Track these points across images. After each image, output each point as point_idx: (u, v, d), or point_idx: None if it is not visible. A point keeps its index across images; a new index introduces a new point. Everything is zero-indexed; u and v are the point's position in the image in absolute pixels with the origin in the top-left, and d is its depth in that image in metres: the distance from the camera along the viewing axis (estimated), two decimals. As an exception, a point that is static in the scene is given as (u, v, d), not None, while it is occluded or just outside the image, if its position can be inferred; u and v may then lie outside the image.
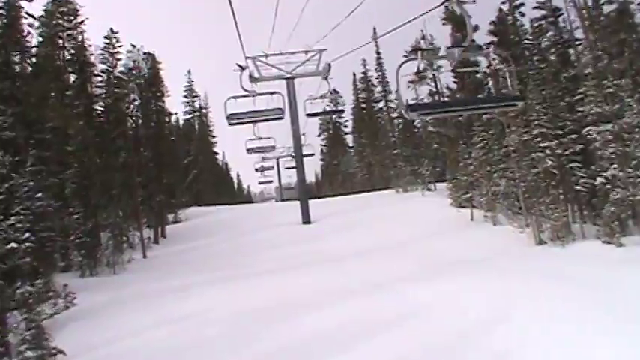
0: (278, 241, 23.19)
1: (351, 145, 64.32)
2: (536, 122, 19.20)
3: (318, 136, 63.84)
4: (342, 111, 40.95)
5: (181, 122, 59.26)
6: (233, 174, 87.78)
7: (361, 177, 54.47)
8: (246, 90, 20.01)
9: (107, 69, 29.20)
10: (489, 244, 18.85)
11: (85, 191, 20.84)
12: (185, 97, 58.06)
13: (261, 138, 32.50)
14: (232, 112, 18.37)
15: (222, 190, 67.87)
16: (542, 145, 18.90)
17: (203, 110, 61.43)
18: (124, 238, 26.44)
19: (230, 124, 18.81)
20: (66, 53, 25.80)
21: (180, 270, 19.20)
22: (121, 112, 25.72)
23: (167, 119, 44.28)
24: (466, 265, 15.47)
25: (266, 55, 28.53)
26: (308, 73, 28.63)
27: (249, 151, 34.61)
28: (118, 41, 29.90)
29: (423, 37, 34.71)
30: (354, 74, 52.79)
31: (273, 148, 34.08)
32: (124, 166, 24.27)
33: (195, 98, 59.13)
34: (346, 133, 64.20)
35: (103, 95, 28.26)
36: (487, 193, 23.04)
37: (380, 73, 44.05)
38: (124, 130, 24.80)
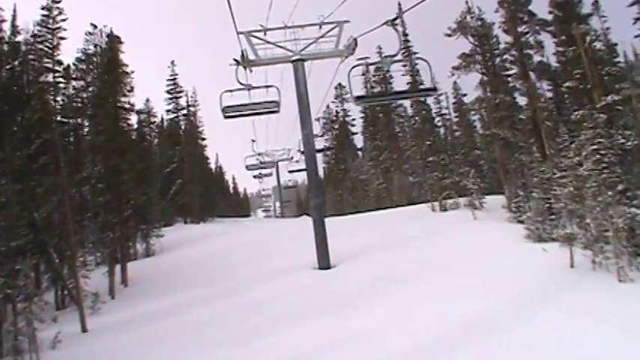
0: (285, 308, 15.03)
1: (359, 146, 57.15)
2: None
3: (322, 136, 56.29)
4: (434, 89, 20.80)
5: (165, 123, 51.24)
6: (228, 177, 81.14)
7: (377, 185, 46.45)
8: (241, 83, 18.88)
9: (45, 50, 21.53)
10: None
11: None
12: (168, 92, 49.44)
13: (260, 154, 31.61)
14: (228, 105, 18.00)
15: (215, 199, 59.87)
16: None
17: (191, 109, 52.73)
18: (65, 293, 18.51)
19: (225, 117, 18.16)
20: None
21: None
22: (47, 111, 17.34)
23: (150, 121, 36.86)
24: None
25: (265, 31, 20.43)
26: (324, 54, 20.48)
27: (249, 167, 35.29)
28: (60, 13, 22.02)
29: (469, 10, 26.83)
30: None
31: (272, 164, 33.27)
32: (50, 192, 16.00)
33: (181, 94, 50.48)
34: (354, 133, 56.78)
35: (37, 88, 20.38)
36: (608, 230, 14.97)
37: (408, 59, 35.48)
38: (51, 139, 16.38)
